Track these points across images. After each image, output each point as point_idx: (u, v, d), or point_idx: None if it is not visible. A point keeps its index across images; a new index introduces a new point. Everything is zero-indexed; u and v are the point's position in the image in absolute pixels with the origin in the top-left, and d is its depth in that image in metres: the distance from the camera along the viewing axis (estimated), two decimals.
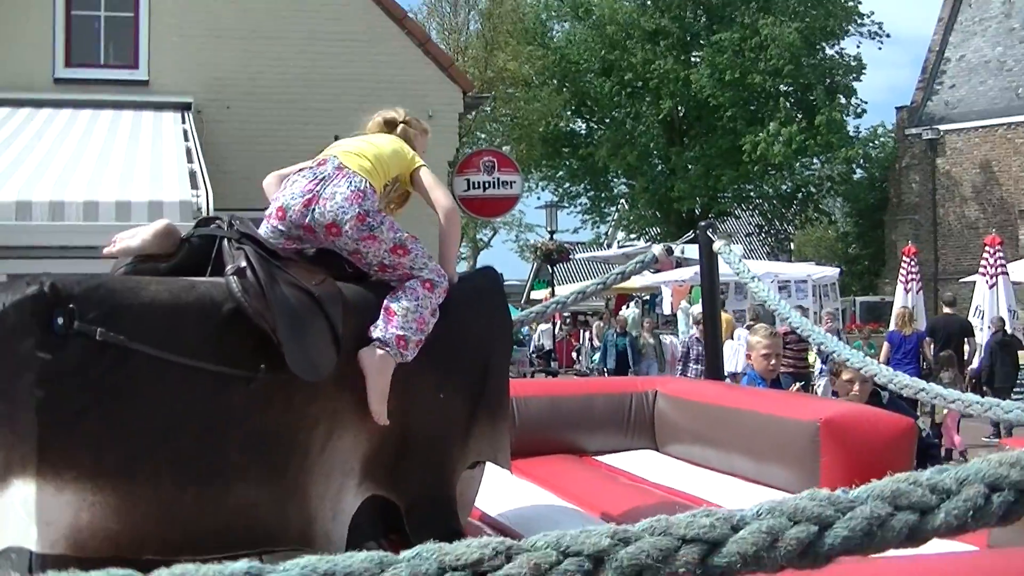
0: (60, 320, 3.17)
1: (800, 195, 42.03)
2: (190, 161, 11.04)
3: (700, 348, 14.73)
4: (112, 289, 3.35)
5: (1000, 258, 19.41)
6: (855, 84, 40.20)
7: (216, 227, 3.86)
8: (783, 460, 5.23)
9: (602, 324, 26.68)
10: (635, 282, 23.99)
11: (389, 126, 4.53)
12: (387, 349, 3.83)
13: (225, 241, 3.75)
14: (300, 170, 4.12)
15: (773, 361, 7.03)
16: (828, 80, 38.81)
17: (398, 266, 3.99)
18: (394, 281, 4.01)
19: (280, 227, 3.95)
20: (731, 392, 6.36)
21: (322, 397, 3.63)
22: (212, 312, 3.46)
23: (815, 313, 22.52)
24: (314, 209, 3.92)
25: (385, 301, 3.94)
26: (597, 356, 22.97)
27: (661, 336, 22.35)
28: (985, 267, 19.56)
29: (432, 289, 3.98)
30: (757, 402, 5.82)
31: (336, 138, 4.54)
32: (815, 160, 40.75)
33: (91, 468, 3.17)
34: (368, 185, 3.98)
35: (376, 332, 3.86)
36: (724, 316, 21.76)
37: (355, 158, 4.09)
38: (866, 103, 40.87)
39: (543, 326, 29.82)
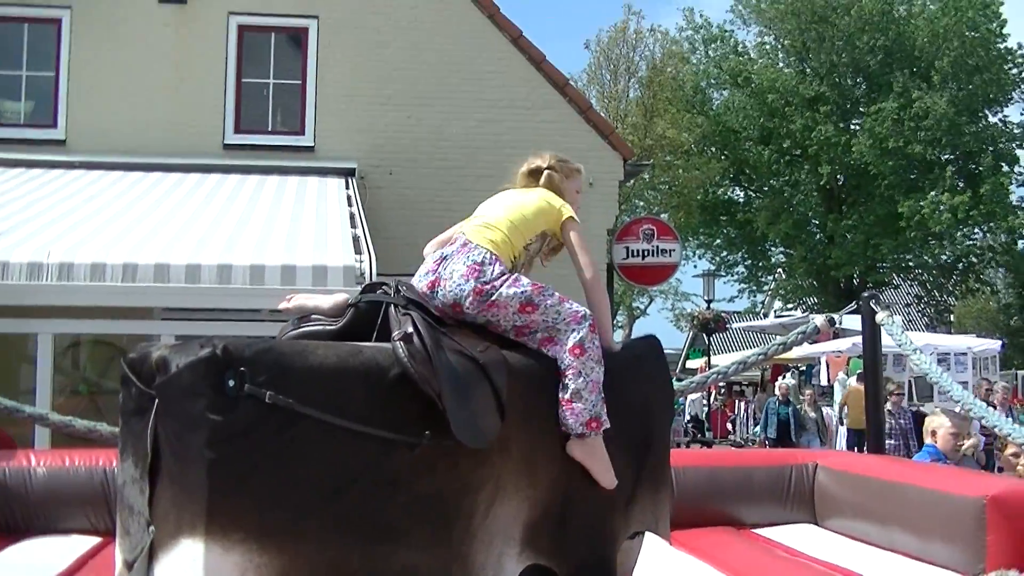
0: (231, 382, 3.24)
1: (961, 265, 40.97)
2: (353, 226, 11.20)
3: (892, 421, 13.85)
4: (282, 353, 3.41)
5: None
6: (1019, 152, 39.21)
7: (383, 292, 3.90)
8: (947, 537, 5.06)
9: (763, 394, 26.23)
10: (792, 352, 23.60)
11: (535, 176, 4.53)
12: (587, 435, 3.90)
13: (391, 307, 3.79)
14: (450, 240, 4.18)
15: (960, 442, 6.94)
16: (991, 148, 37.92)
17: (532, 325, 3.99)
18: (536, 345, 4.02)
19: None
20: (894, 466, 6.17)
21: (486, 464, 3.64)
22: (378, 377, 3.49)
23: (974, 387, 21.90)
24: (437, 291, 3.99)
25: (559, 395, 3.94)
26: (758, 427, 22.43)
27: (821, 407, 21.83)
28: None
29: (583, 352, 3.96)
30: (920, 477, 5.64)
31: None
32: (977, 230, 39.75)
33: (258, 529, 3.21)
34: (488, 256, 4.00)
35: (571, 427, 3.92)
36: (855, 388, 21.35)
37: (483, 231, 4.13)
38: None
39: (694, 396, 29.49)
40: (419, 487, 3.50)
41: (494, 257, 4.01)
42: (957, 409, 7.48)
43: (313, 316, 4.08)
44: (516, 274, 4.05)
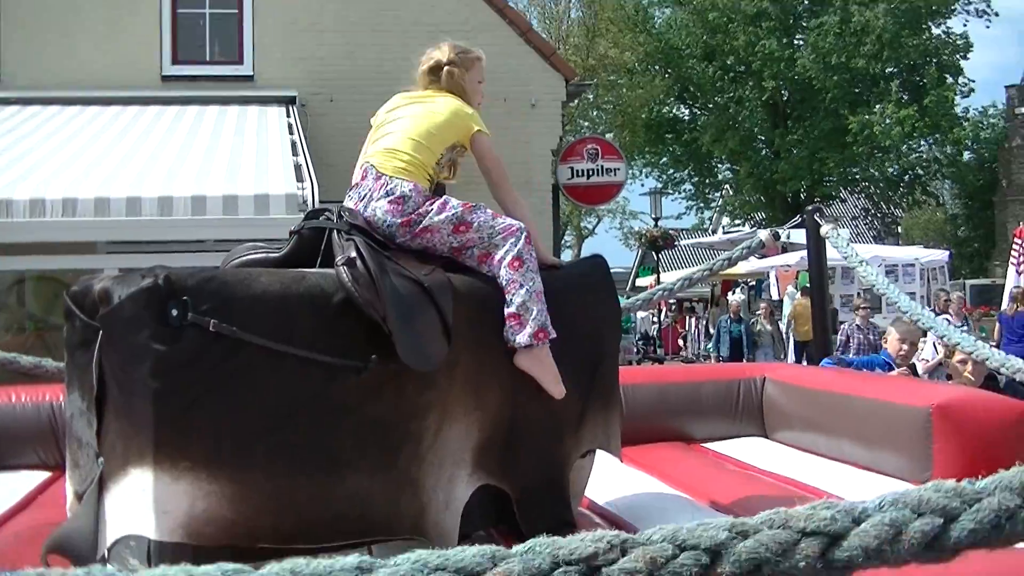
0: (174, 312, 3.22)
1: (907, 177, 41.23)
2: (295, 154, 11.13)
3: (861, 336, 13.63)
4: (224, 281, 3.39)
5: None
6: (962, 63, 39.40)
7: (325, 218, 3.89)
8: (895, 447, 5.14)
9: (716, 310, 26.37)
10: (741, 268, 23.72)
11: (435, 73, 4.35)
12: (536, 345, 3.89)
13: (335, 232, 3.78)
14: (361, 178, 4.12)
15: (907, 347, 7.06)
16: (935, 60, 38.07)
17: (468, 243, 3.97)
18: (475, 263, 4.00)
19: None
20: (841, 378, 6.25)
21: (433, 387, 3.64)
22: (323, 303, 3.48)
23: (923, 297, 22.13)
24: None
25: (504, 310, 3.93)
26: (711, 344, 22.56)
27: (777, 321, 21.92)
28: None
29: (521, 264, 3.93)
30: (868, 387, 5.72)
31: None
32: (923, 142, 40.00)
33: (206, 457, 3.22)
34: (405, 187, 3.96)
35: (517, 340, 3.89)
36: (802, 301, 21.51)
37: (391, 159, 4.05)
38: (974, 82, 39.88)
39: (643, 313, 29.64)
40: (366, 412, 3.50)
41: (412, 186, 3.96)
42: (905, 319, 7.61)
43: (256, 244, 4.06)
44: (444, 197, 4.01)
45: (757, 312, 21.73)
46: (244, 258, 3.97)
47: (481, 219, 3.97)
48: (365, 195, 4.00)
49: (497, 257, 3.96)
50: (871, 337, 13.34)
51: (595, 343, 4.34)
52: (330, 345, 3.44)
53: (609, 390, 4.39)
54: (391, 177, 3.98)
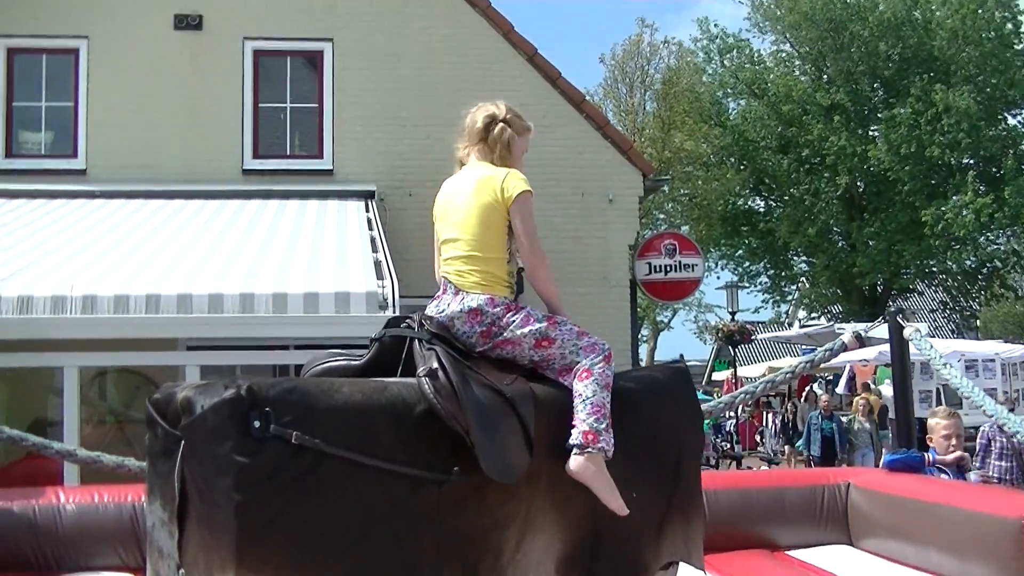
0: (257, 423, 3.22)
1: (985, 270, 40.71)
2: (375, 250, 11.16)
3: (1004, 440, 11.97)
4: (307, 392, 3.39)
5: None
6: None
7: (406, 326, 3.88)
8: (985, 558, 5.01)
9: (804, 404, 25.84)
10: None
11: (489, 129, 4.36)
12: (586, 451, 3.81)
13: (416, 341, 3.77)
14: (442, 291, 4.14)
15: (954, 442, 6.88)
16: (1012, 150, 37.71)
17: (550, 358, 3.97)
18: (555, 376, 3.99)
19: None
20: (928, 485, 6.11)
21: (515, 498, 3.61)
22: (405, 414, 3.47)
23: (1005, 392, 21.73)
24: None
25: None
26: (800, 442, 21.76)
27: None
28: None
29: (590, 375, 3.92)
30: (955, 496, 5.60)
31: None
32: (1000, 233, 39.49)
33: (288, 571, 3.19)
34: (482, 300, 3.97)
35: (569, 441, 3.83)
36: (874, 398, 21.01)
37: (464, 272, 4.07)
38: None
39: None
40: (448, 524, 3.48)
41: (488, 299, 3.98)
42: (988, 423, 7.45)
43: (335, 351, 4.07)
44: (526, 309, 4.02)
45: (856, 413, 20.79)
46: (324, 365, 3.97)
47: (564, 335, 3.96)
48: (444, 308, 4.03)
49: (575, 369, 3.95)
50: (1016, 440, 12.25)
51: (676, 450, 4.29)
52: (412, 456, 3.43)
53: (691, 498, 4.33)
54: (467, 292, 4.00)
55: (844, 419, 20.21)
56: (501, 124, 4.35)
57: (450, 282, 4.09)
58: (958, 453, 7.02)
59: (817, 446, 19.44)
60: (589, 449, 3.80)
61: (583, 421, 3.83)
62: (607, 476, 3.83)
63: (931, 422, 7.22)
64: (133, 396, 11.97)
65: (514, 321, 3.91)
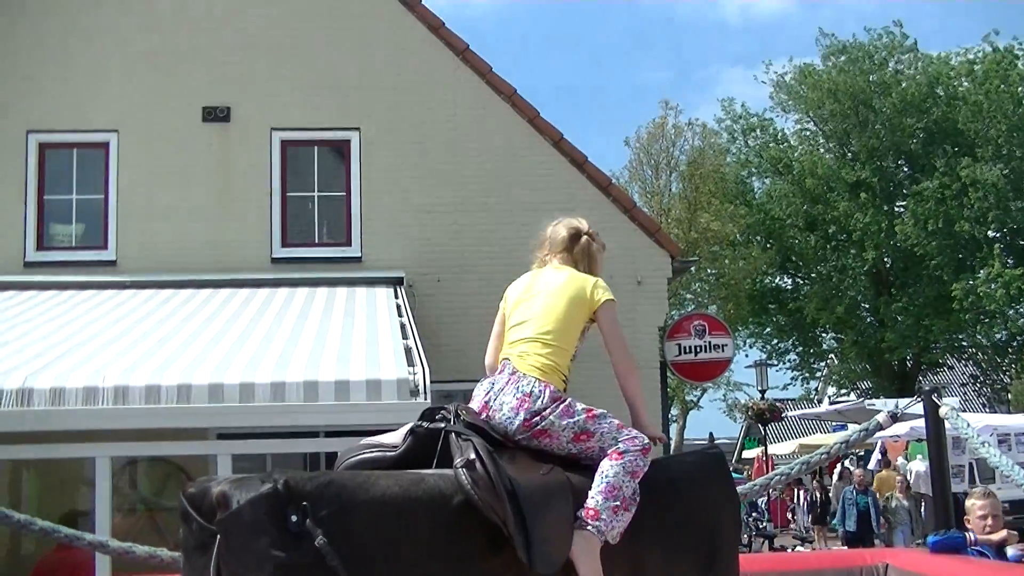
0: (294, 518, 3.21)
1: (1016, 343, 40.48)
2: (405, 337, 11.16)
3: None
4: (343, 485, 3.38)
5: None
6: None
7: (442, 418, 3.88)
8: None
9: (840, 483, 25.60)
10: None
11: (575, 240, 4.53)
12: (586, 528, 3.75)
13: (451, 432, 3.77)
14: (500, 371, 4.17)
15: (991, 522, 6.78)
16: None
17: (589, 451, 3.96)
18: (595, 467, 3.95)
19: None
20: (968, 566, 6.02)
21: None
22: (442, 505, 3.46)
23: None
24: (489, 420, 3.97)
25: None
26: (835, 519, 21.54)
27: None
28: None
29: (621, 456, 3.90)
30: None
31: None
32: None
33: None
34: (537, 386, 3.98)
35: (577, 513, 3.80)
36: (886, 474, 20.70)
37: (529, 357, 4.12)
38: None
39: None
40: None
41: (543, 385, 3.99)
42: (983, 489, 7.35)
43: (372, 441, 4.06)
44: (568, 400, 4.01)
45: (895, 491, 20.59)
46: (359, 457, 3.96)
47: (604, 429, 3.95)
48: (498, 386, 4.05)
49: (609, 451, 3.93)
50: None
51: (712, 536, 4.25)
52: (450, 548, 3.40)
53: None
54: (524, 375, 4.02)
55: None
56: (586, 237, 4.55)
57: (509, 362, 4.13)
58: (1003, 533, 6.94)
59: (853, 521, 19.29)
60: (588, 526, 3.74)
61: (592, 497, 3.80)
62: (596, 560, 3.72)
63: (968, 503, 7.15)
64: (164, 484, 11.97)
65: (555, 411, 3.90)
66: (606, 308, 4.32)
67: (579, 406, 3.97)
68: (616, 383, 4.35)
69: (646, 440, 4.00)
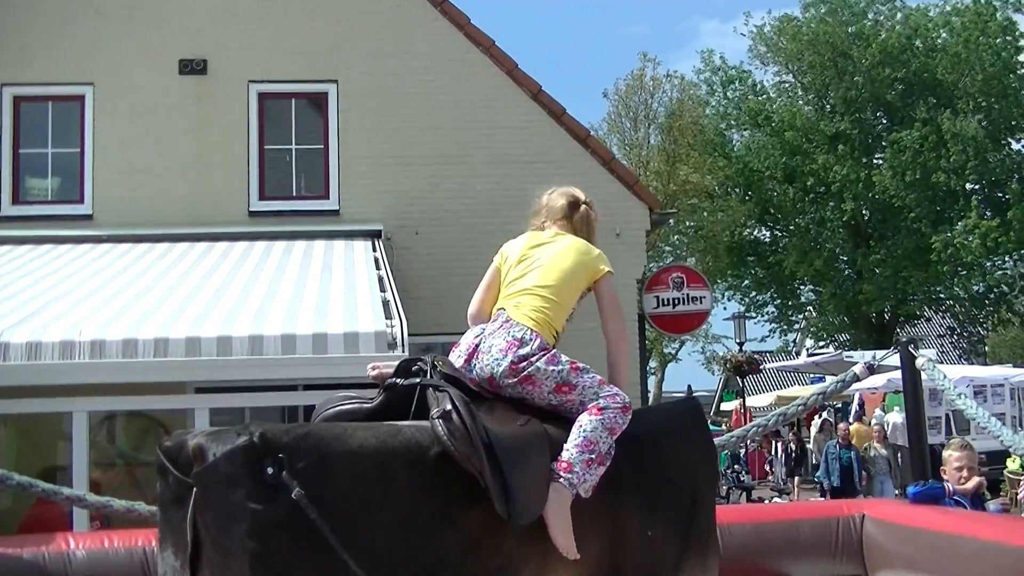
0: (270, 470, 3.19)
1: (992, 295, 40.63)
2: (383, 290, 11.13)
3: None
4: (320, 437, 3.36)
5: None
6: None
7: (419, 369, 3.87)
8: None
9: (820, 435, 25.70)
10: None
11: (574, 208, 4.55)
12: (558, 480, 3.74)
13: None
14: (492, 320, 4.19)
15: (966, 473, 6.84)
16: (1017, 175, 37.67)
17: (568, 404, 3.95)
18: (572, 420, 3.94)
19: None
20: (945, 516, 6.05)
21: (532, 539, 3.57)
22: (419, 457, 3.45)
23: (1014, 418, 21.69)
24: (473, 364, 3.97)
25: None
26: (819, 472, 21.58)
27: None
28: None
29: (601, 412, 3.89)
30: (972, 527, 5.53)
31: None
32: (1007, 259, 39.42)
33: None
34: (528, 333, 3.99)
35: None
36: (858, 427, 20.81)
37: (525, 309, 4.12)
38: None
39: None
40: (465, 567, 3.45)
41: (534, 334, 3.98)
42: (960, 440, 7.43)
43: (347, 394, 4.05)
44: (554, 351, 4.01)
45: (873, 440, 20.68)
46: (336, 409, 3.95)
47: (586, 383, 3.95)
48: (488, 331, 4.07)
49: (589, 405, 3.92)
50: None
51: (691, 488, 4.25)
52: (427, 500, 3.40)
53: (706, 535, 4.30)
54: (517, 323, 4.02)
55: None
56: (585, 206, 4.58)
57: (504, 311, 4.14)
58: (975, 480, 6.99)
59: (836, 476, 19.37)
60: (560, 478, 3.73)
61: (567, 450, 3.79)
62: (566, 513, 3.70)
63: (945, 454, 7.20)
64: (142, 439, 11.95)
65: (542, 358, 3.90)
66: (607, 281, 4.37)
67: (564, 358, 3.97)
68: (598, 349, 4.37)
69: (627, 399, 3.99)
